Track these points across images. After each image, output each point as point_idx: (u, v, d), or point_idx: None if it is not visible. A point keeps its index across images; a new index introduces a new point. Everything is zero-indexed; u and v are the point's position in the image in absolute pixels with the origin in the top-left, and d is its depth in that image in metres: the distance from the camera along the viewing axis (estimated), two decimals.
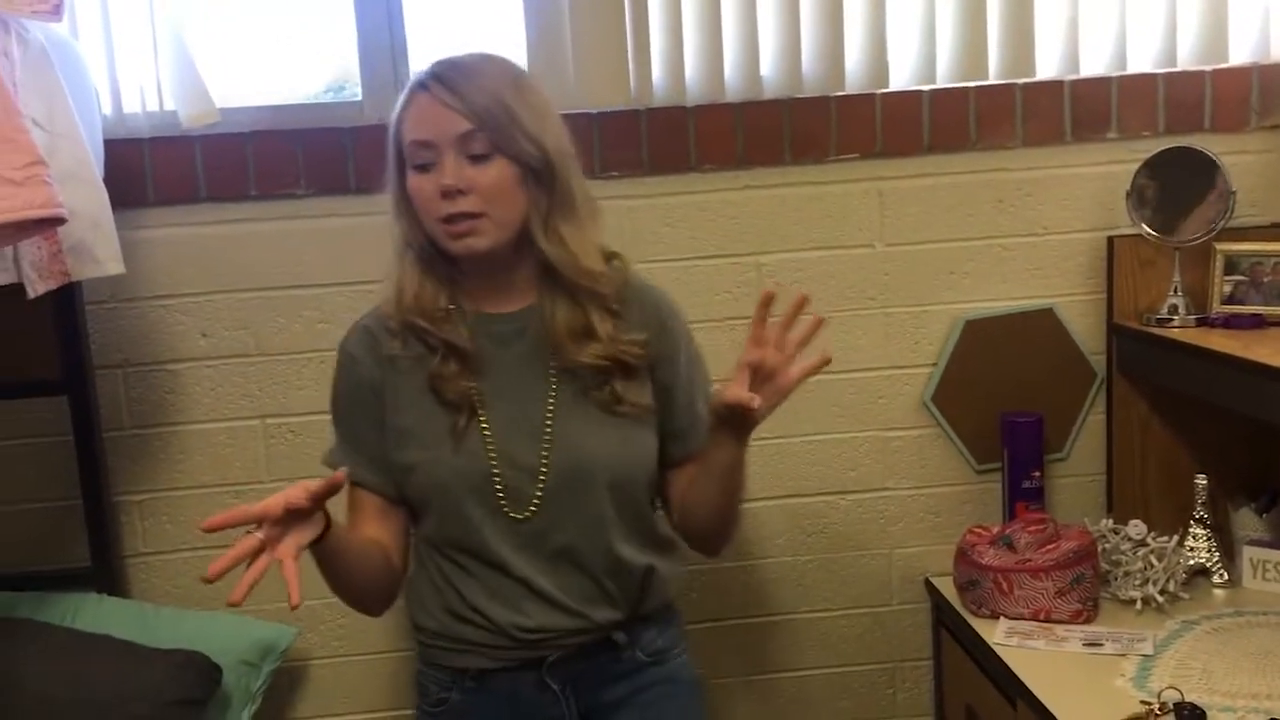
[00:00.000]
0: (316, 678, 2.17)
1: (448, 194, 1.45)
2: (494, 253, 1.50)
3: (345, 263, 2.07)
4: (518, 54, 2.09)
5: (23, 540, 2.08)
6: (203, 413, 2.10)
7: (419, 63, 2.14)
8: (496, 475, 1.51)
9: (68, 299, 1.95)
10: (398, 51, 2.11)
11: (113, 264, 1.72)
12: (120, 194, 1.93)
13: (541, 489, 1.52)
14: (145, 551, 2.11)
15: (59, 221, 1.48)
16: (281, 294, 2.08)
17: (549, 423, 1.53)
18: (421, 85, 1.47)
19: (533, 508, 1.52)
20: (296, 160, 2.04)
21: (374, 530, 1.57)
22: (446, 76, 1.46)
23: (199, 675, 1.89)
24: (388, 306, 1.56)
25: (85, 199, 1.66)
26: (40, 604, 1.95)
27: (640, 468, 1.58)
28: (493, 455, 1.51)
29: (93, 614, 1.96)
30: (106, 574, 2.05)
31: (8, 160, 1.42)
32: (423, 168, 1.47)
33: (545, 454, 1.52)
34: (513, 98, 1.46)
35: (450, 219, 1.46)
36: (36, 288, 1.59)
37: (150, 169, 2.02)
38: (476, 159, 1.45)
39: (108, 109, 1.99)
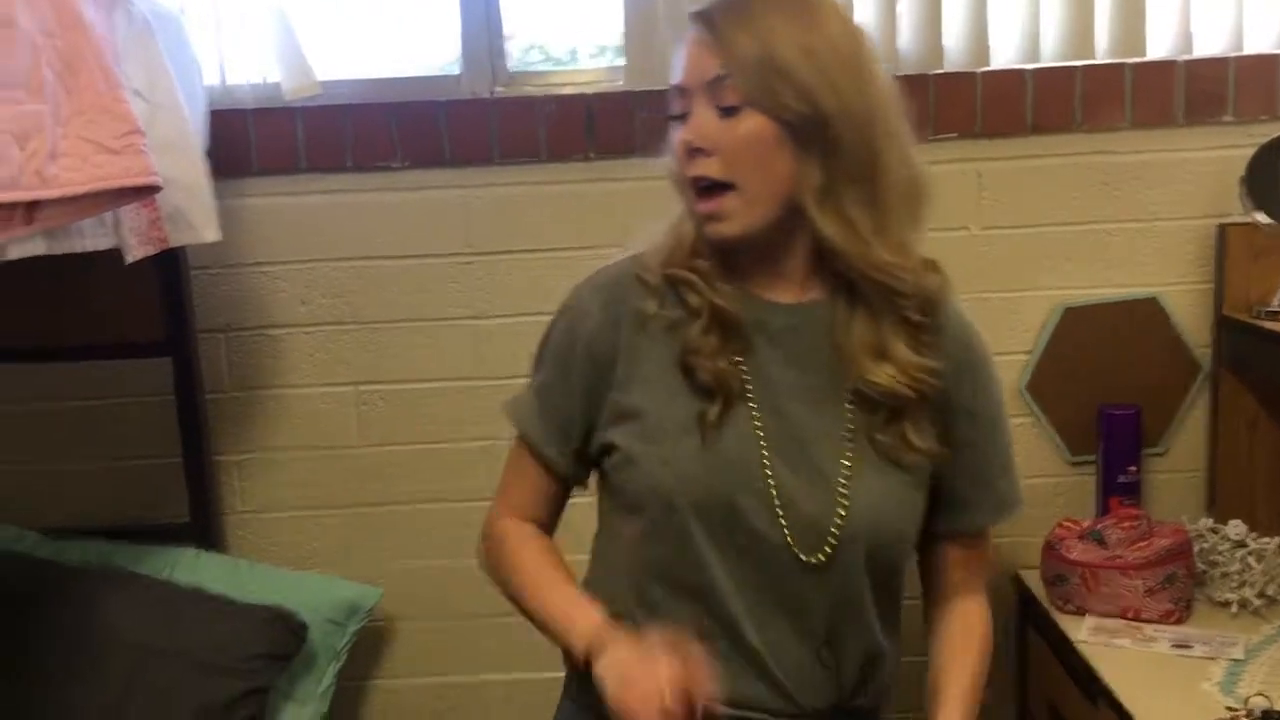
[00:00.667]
0: (401, 639, 2.22)
1: (690, 151, 1.19)
2: (750, 237, 1.21)
3: (438, 234, 2.11)
4: (612, 30, 2.09)
5: (126, 495, 2.17)
6: (299, 377, 2.16)
7: (516, 36, 2.16)
8: (778, 502, 1.21)
9: (172, 265, 2.03)
10: (493, 26, 2.13)
11: (209, 231, 1.78)
12: (224, 163, 2.00)
13: (827, 552, 1.21)
14: (242, 510, 2.18)
15: (154, 190, 1.53)
16: (376, 264, 2.12)
17: (846, 467, 1.22)
18: (692, 21, 1.22)
19: (805, 566, 1.22)
20: (392, 133, 2.08)
21: (528, 502, 1.36)
22: (713, 12, 1.20)
23: (286, 631, 1.95)
24: (653, 257, 1.27)
25: (184, 168, 1.71)
26: (140, 556, 2.03)
27: (912, 536, 1.29)
28: (768, 471, 1.21)
29: (189, 567, 2.04)
30: (204, 530, 2.13)
31: (107, 129, 1.47)
32: (679, 118, 1.21)
33: (842, 508, 1.21)
34: (789, 41, 1.16)
35: (699, 189, 1.20)
36: (135, 252, 1.65)
37: (253, 139, 2.07)
38: (727, 111, 1.17)
39: (214, 81, 2.05)
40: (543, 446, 1.33)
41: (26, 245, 1.42)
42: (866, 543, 1.21)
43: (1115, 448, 2.11)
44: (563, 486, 1.36)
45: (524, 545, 1.35)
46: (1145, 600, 1.91)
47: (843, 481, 1.21)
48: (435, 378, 2.15)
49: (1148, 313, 2.12)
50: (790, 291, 1.25)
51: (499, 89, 2.13)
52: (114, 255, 1.67)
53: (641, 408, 1.24)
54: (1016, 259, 2.13)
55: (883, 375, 1.20)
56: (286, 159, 2.08)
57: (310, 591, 2.04)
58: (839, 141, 1.17)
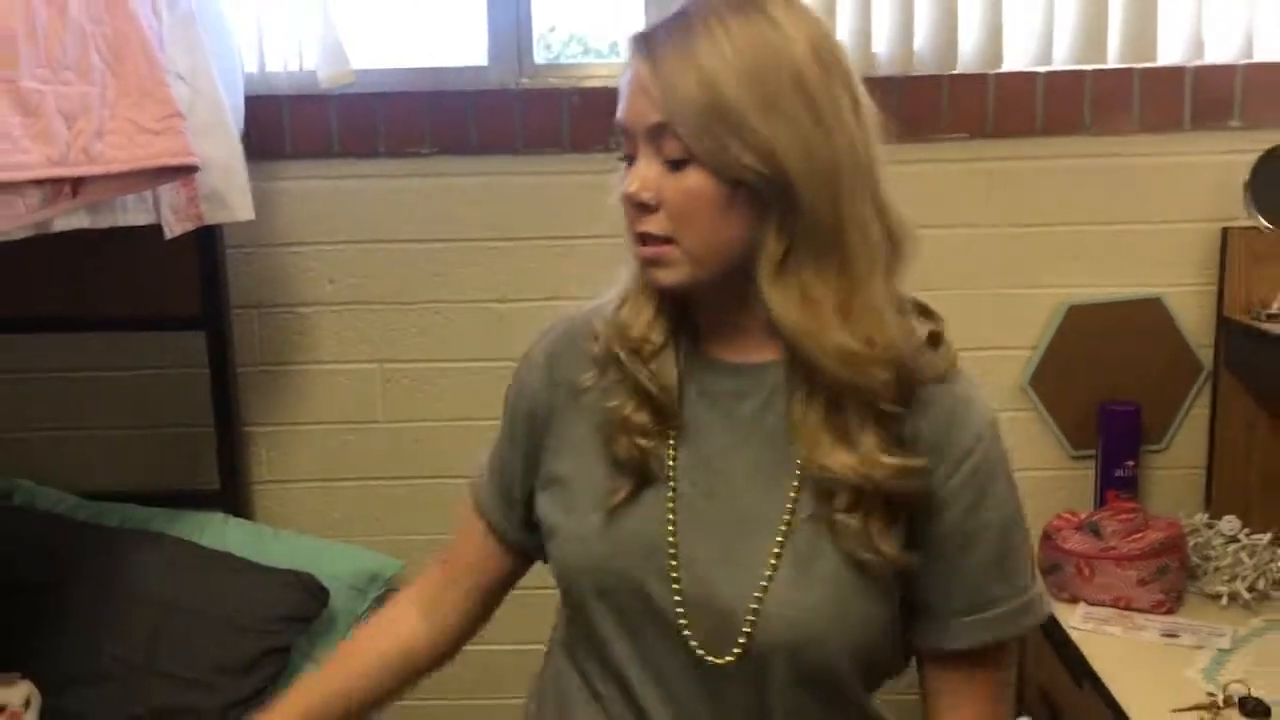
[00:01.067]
0: None
1: (633, 204, 1.03)
2: (694, 290, 1.05)
3: (463, 219, 2.19)
4: (634, 21, 2.16)
5: (160, 462, 2.27)
6: (326, 354, 2.25)
7: (542, 28, 2.24)
8: (677, 590, 1.05)
9: (209, 243, 2.12)
10: (522, 18, 2.20)
11: (243, 211, 1.87)
12: (260, 147, 2.09)
13: (735, 654, 1.03)
14: (269, 480, 2.28)
15: (192, 170, 1.62)
16: (402, 247, 2.21)
17: (775, 557, 1.02)
18: (630, 46, 1.04)
19: (713, 668, 1.05)
20: (422, 121, 2.16)
21: (465, 560, 1.25)
22: (653, 37, 1.02)
23: (308, 595, 2.04)
24: (602, 325, 1.12)
25: (221, 150, 1.80)
26: (171, 520, 2.13)
27: (851, 648, 1.03)
28: (674, 558, 1.05)
29: (217, 533, 2.13)
30: (233, 497, 2.22)
31: (149, 112, 1.56)
32: (626, 159, 1.06)
33: (756, 604, 1.02)
34: (742, 80, 0.97)
35: (639, 236, 1.05)
36: (174, 228, 1.74)
37: (288, 124, 2.16)
38: (673, 164, 1.00)
39: (252, 68, 2.14)
40: (486, 508, 1.22)
41: (71, 219, 1.51)
42: (786, 650, 1.02)
43: (1114, 443, 2.16)
44: (510, 553, 1.23)
45: (360, 631, 1.35)
46: (1137, 590, 1.96)
47: (766, 574, 1.02)
48: (456, 358, 2.23)
49: (1151, 312, 2.18)
50: (745, 348, 1.08)
51: (524, 80, 2.20)
52: (154, 233, 1.76)
53: (566, 476, 1.13)
54: (1023, 257, 2.18)
55: (839, 464, 1.00)
56: (320, 144, 2.17)
57: (333, 559, 2.13)
58: (801, 205, 0.99)
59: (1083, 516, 2.05)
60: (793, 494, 1.04)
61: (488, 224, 2.20)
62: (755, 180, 0.98)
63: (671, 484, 1.07)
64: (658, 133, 1.00)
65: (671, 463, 1.08)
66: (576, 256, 2.18)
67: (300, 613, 2.03)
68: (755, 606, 1.02)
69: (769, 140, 0.97)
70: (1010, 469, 1.06)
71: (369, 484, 2.27)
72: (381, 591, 2.17)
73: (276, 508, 2.28)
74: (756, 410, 1.07)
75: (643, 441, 1.07)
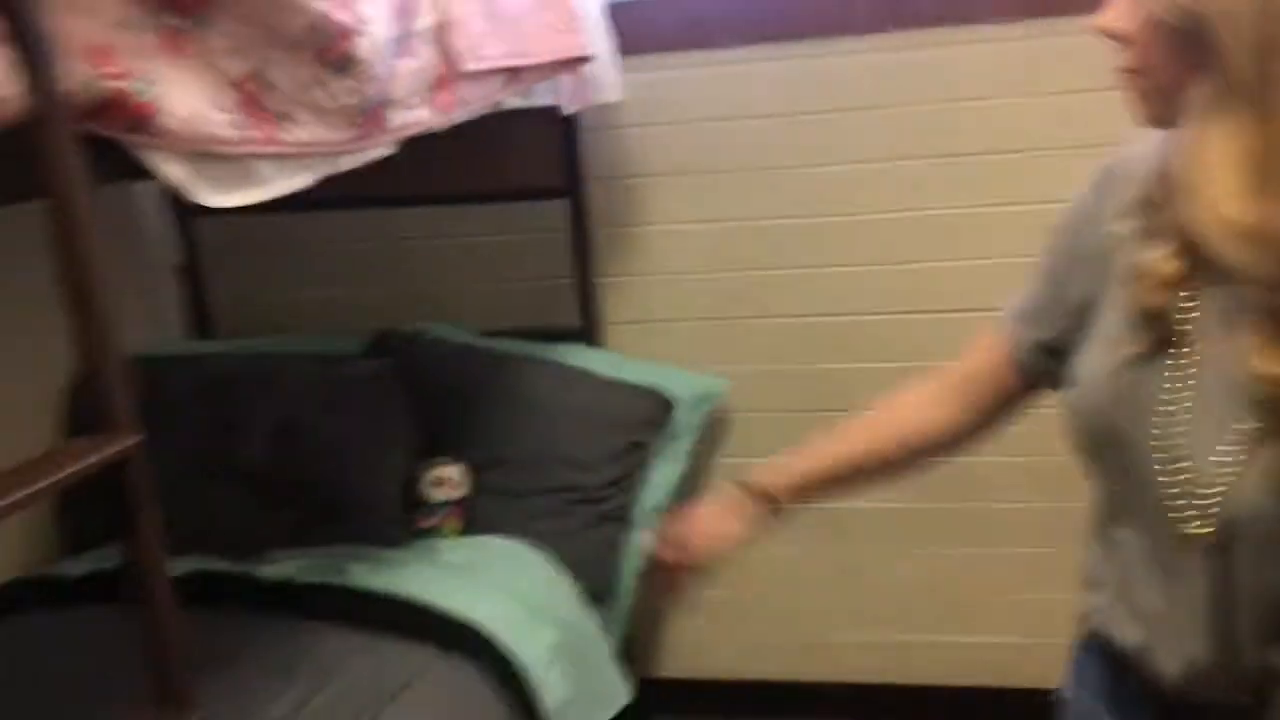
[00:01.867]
0: (742, 422, 2.77)
1: (1103, 32, 1.04)
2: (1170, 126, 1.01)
3: (773, 96, 2.62)
4: None
5: (532, 305, 2.82)
6: (667, 216, 2.71)
7: None
8: (1158, 449, 1.05)
9: (569, 124, 2.62)
10: None
11: (614, 93, 2.35)
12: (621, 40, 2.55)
13: (1212, 526, 1.03)
14: (618, 320, 2.79)
15: (587, 60, 2.11)
16: (723, 124, 2.65)
17: (1257, 429, 1.00)
18: None
19: (1186, 538, 1.05)
20: (730, 18, 2.59)
21: (972, 365, 1.30)
22: None
23: (658, 406, 2.55)
24: (1143, 168, 1.09)
25: (600, 44, 2.29)
26: (547, 349, 2.66)
27: None
28: (1160, 419, 1.05)
29: (579, 357, 2.64)
30: (591, 332, 2.74)
31: (556, 17, 2.05)
32: None
33: (1236, 470, 1.00)
34: None
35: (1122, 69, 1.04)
36: (569, 108, 2.25)
37: (631, 25, 2.62)
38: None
39: None
40: (1010, 320, 1.26)
41: (513, 99, 2.02)
42: (1260, 523, 0.99)
43: None
44: (1018, 375, 1.26)
45: (879, 410, 1.39)
46: None
47: (1249, 447, 1.00)
48: (775, 216, 2.67)
49: None
50: None
51: None
52: (532, 116, 2.26)
53: (1091, 322, 1.13)
54: None
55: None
56: (651, 41, 2.62)
57: (675, 378, 2.62)
58: (1221, 57, 0.92)
59: None
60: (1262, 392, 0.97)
61: (792, 100, 2.61)
62: (1177, 22, 0.95)
63: (1184, 344, 1.04)
64: None
65: (1191, 319, 1.04)
66: (869, 125, 2.57)
67: (654, 418, 2.54)
68: (1232, 476, 1.00)
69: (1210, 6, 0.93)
70: None
71: (698, 323, 2.74)
72: (712, 407, 2.66)
73: (625, 342, 2.77)
74: (1237, 292, 1.01)
75: (1164, 294, 1.03)
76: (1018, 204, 2.52)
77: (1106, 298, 1.11)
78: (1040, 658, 2.62)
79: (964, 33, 2.48)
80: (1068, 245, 1.18)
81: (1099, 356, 1.10)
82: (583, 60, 2.10)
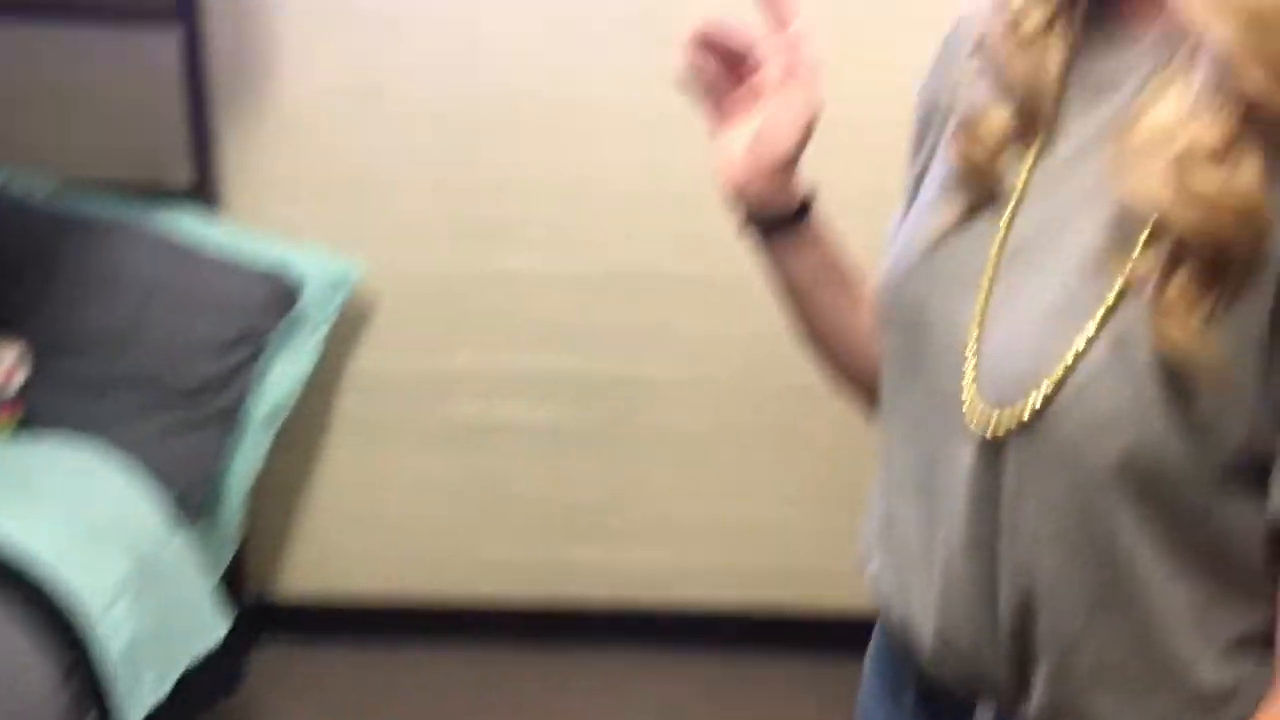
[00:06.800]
0: (383, 315, 2.41)
1: None
2: None
3: None
4: None
5: (132, 156, 2.31)
6: (307, 56, 2.26)
7: None
8: (975, 338, 0.79)
9: None
10: None
11: None
12: None
13: (1022, 423, 0.75)
14: (241, 181, 2.32)
15: None
16: None
17: (1097, 323, 0.72)
18: None
19: (984, 445, 0.78)
20: None
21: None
22: None
23: (281, 289, 2.15)
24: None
25: None
26: (139, 211, 2.19)
27: (1193, 471, 0.71)
28: (980, 306, 0.80)
29: (186, 225, 2.19)
30: (204, 194, 2.28)
31: None
32: None
33: (1063, 370, 0.73)
34: None
35: None
36: None
37: None
38: None
39: None
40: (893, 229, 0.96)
41: None
42: (1088, 432, 0.72)
43: None
44: None
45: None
46: None
47: (1077, 349, 0.73)
48: (442, 67, 2.28)
49: None
50: (1154, 12, 0.75)
51: None
52: None
53: (919, 189, 0.92)
54: None
55: (1187, 204, 0.68)
56: None
57: (305, 256, 2.22)
58: None
59: None
60: (1142, 243, 0.72)
61: None
62: None
63: (1011, 204, 0.81)
64: None
65: (1023, 179, 0.81)
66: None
67: (274, 305, 2.14)
68: (1057, 378, 0.73)
69: None
70: None
71: (339, 191, 2.34)
72: (347, 295, 2.27)
73: (248, 207, 2.33)
74: (1122, 106, 0.76)
75: (988, 154, 0.82)
76: None
77: (935, 158, 0.91)
78: (695, 574, 2.51)
79: None
80: (920, 114, 0.94)
81: (914, 223, 0.89)
82: None
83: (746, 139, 0.90)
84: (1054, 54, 0.79)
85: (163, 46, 2.23)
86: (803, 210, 0.95)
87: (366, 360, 2.42)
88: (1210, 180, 0.68)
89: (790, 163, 0.90)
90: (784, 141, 0.89)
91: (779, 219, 0.94)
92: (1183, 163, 0.69)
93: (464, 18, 2.26)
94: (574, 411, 2.44)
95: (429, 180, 2.33)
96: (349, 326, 2.39)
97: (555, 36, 2.26)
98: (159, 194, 2.26)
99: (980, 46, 0.84)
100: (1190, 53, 0.71)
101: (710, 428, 2.45)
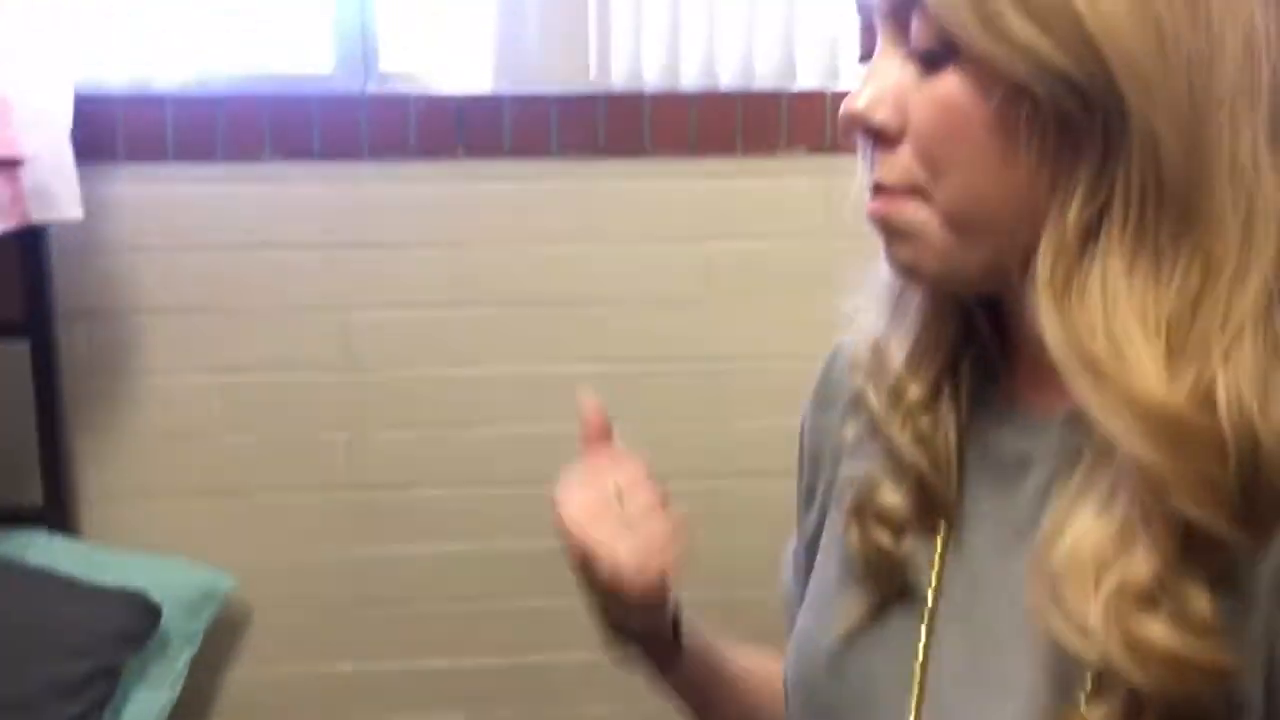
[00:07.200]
0: (259, 627, 2.23)
1: (849, 127, 0.65)
2: (954, 282, 0.67)
3: (305, 225, 2.15)
4: (484, 32, 2.17)
5: None
6: (162, 363, 2.16)
7: (389, 36, 2.21)
8: None
9: (35, 245, 2.03)
10: (368, 27, 2.18)
11: (72, 209, 1.80)
12: (92, 148, 2.01)
13: None
14: (98, 495, 2.17)
15: (16, 163, 1.56)
16: (243, 254, 2.15)
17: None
18: None
19: None
20: (263, 126, 2.12)
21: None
22: None
23: (138, 613, 1.95)
24: (857, 349, 0.75)
25: (48, 145, 1.73)
26: None
27: None
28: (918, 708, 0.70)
29: (42, 550, 2.03)
30: (59, 515, 2.12)
31: None
32: (865, 59, 0.68)
33: None
34: None
35: (872, 186, 0.66)
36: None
37: (122, 126, 2.09)
38: (925, 60, 0.62)
39: (84, 64, 2.05)
40: (788, 578, 0.88)
41: None
42: None
43: None
44: None
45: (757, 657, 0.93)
46: None
47: None
48: (299, 367, 2.18)
49: None
50: (1049, 383, 0.64)
51: (371, 87, 2.18)
52: None
53: (817, 562, 0.81)
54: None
55: (1091, 622, 0.58)
56: (155, 147, 2.10)
57: (164, 576, 2.05)
58: (1136, 138, 0.58)
59: None
60: (1089, 692, 0.60)
61: (333, 231, 2.16)
62: (1056, 86, 0.57)
63: (929, 605, 0.70)
64: (904, 7, 0.61)
65: (935, 570, 0.70)
66: (426, 266, 2.16)
67: (131, 632, 1.95)
68: None
69: (1090, 13, 0.56)
70: None
71: (205, 499, 2.20)
72: (216, 611, 2.10)
73: (106, 525, 2.17)
74: (1041, 488, 0.66)
75: (891, 540, 0.71)
76: (601, 359, 2.18)
77: (829, 515, 0.79)
78: None
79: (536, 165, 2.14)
80: (803, 464, 0.84)
81: (818, 608, 0.77)
82: (10, 164, 1.54)
83: (627, 550, 0.76)
84: (945, 429, 0.70)
85: (12, 360, 2.10)
86: (676, 628, 0.86)
87: (243, 676, 2.23)
88: (1153, 628, 0.56)
89: (667, 586, 0.78)
90: (660, 561, 0.76)
91: (656, 636, 0.85)
92: (1118, 605, 0.57)
93: (335, 305, 2.18)
94: (486, 711, 2.27)
95: (300, 477, 2.20)
96: (221, 641, 2.20)
97: (432, 318, 2.19)
98: (6, 517, 2.09)
99: (860, 405, 0.73)
100: (1103, 451, 0.60)
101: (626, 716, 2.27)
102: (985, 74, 0.59)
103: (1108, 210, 0.59)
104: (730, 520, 2.11)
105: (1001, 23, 0.57)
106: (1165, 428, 0.56)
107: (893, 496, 0.71)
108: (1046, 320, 0.60)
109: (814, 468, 0.83)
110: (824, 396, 0.82)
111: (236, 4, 2.17)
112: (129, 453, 2.17)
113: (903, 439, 0.70)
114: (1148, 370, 0.57)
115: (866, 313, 0.74)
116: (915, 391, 0.70)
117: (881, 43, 0.64)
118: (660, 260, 2.20)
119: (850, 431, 0.76)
